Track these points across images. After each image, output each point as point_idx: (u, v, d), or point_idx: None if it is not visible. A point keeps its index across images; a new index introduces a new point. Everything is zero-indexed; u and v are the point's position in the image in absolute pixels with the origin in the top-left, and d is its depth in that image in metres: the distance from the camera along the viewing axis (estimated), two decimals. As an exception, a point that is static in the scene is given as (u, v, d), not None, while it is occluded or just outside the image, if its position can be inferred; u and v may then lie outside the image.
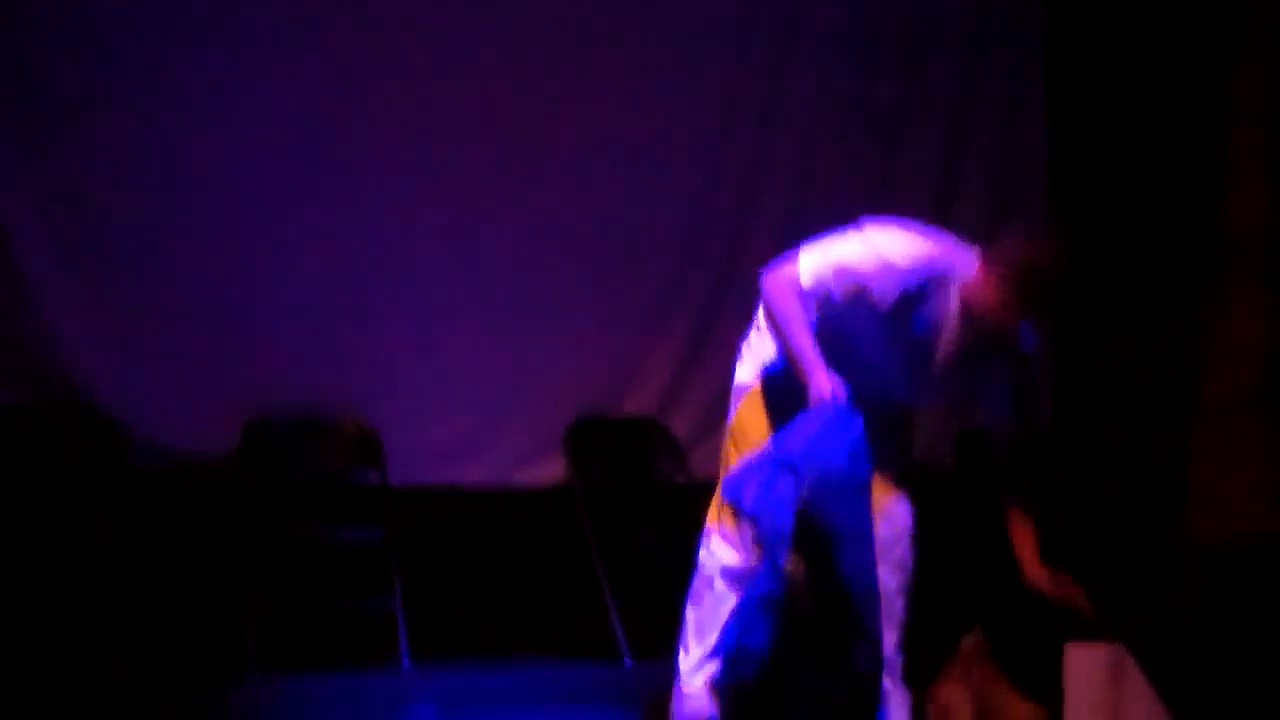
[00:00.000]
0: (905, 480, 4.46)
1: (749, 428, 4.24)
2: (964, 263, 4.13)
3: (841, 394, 3.99)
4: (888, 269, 4.07)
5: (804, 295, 4.08)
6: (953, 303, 4.12)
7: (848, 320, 4.15)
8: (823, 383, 3.99)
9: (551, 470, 6.39)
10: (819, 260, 4.10)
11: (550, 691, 5.46)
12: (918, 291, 4.09)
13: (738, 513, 4.05)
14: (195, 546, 5.98)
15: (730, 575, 4.17)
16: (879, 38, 6.80)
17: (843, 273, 4.08)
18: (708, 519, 4.27)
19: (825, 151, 6.74)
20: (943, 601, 6.08)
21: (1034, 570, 4.30)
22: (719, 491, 4.17)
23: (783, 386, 4.18)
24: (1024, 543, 4.35)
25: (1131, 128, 6.71)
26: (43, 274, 6.00)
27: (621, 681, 5.72)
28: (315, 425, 6.09)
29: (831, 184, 6.71)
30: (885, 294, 4.08)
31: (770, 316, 4.17)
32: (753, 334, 4.36)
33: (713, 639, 4.13)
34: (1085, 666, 4.18)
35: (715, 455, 4.50)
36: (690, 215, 6.60)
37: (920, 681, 4.54)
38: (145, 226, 6.09)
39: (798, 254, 4.13)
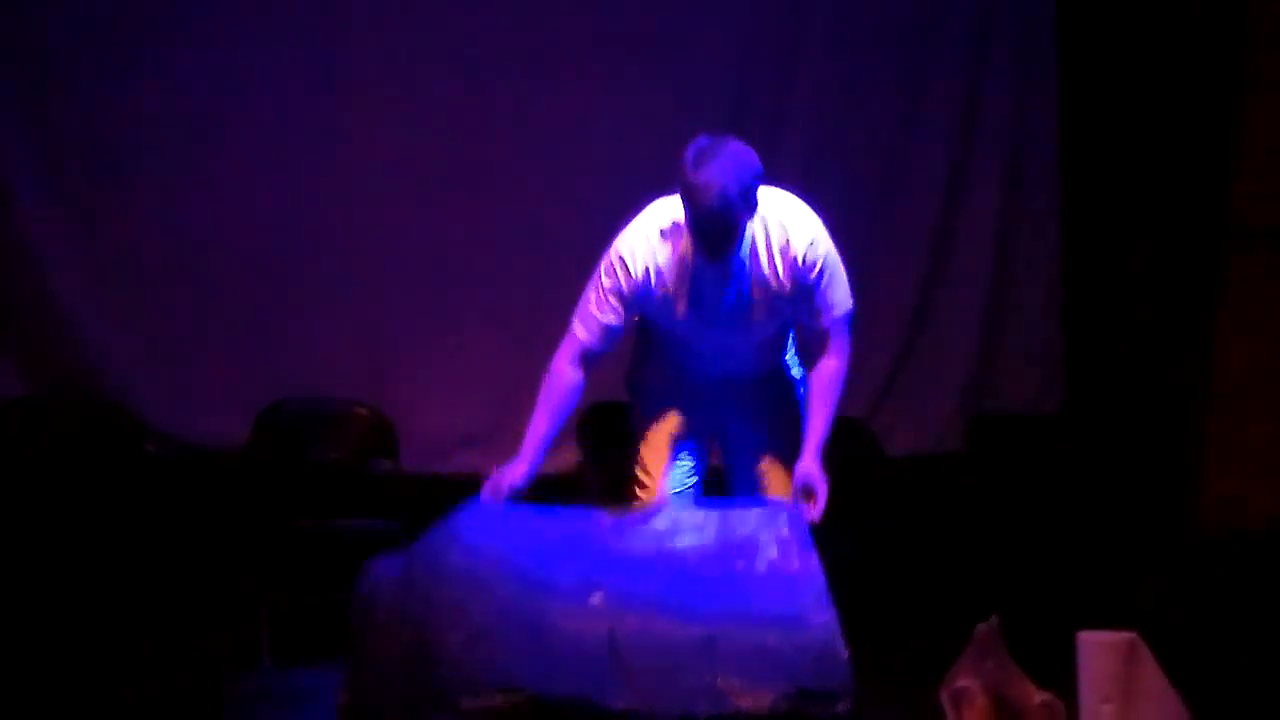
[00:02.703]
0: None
1: None
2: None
3: (507, 492, 4.40)
4: (623, 256, 4.35)
5: (579, 350, 4.36)
6: (689, 251, 4.29)
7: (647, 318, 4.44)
8: (513, 471, 4.43)
9: (565, 457, 6.39)
10: (583, 302, 4.38)
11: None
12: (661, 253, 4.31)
13: None
14: (209, 536, 6.00)
15: None
16: (888, 25, 6.79)
17: (607, 290, 4.35)
18: None
19: (834, 146, 6.74)
20: (956, 589, 6.10)
21: (804, 462, 4.32)
22: None
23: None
24: (811, 431, 4.38)
25: (1144, 109, 6.70)
26: (59, 268, 6.04)
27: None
28: (329, 414, 6.10)
29: (841, 178, 6.71)
30: (636, 279, 4.33)
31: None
32: None
33: None
34: (1098, 653, 4.16)
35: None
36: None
37: (934, 669, 4.55)
38: (160, 220, 6.12)
39: (573, 317, 4.40)
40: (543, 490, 6.35)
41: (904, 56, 6.83)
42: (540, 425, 4.41)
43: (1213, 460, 6.33)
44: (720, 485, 4.73)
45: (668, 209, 4.36)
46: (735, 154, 4.22)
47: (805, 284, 4.34)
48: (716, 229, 4.18)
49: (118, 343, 6.11)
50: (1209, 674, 4.70)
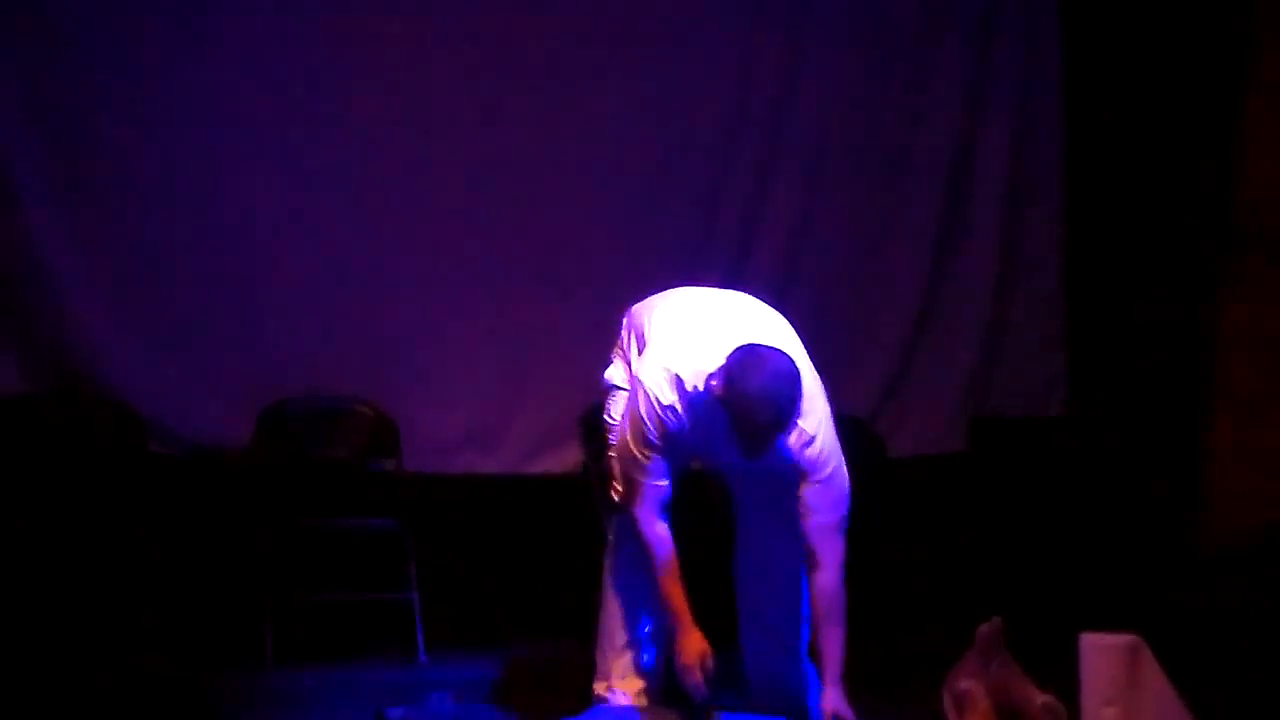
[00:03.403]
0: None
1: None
2: (722, 368, 4.40)
3: (709, 664, 4.43)
4: (661, 411, 4.47)
5: (658, 498, 4.52)
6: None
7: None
8: (689, 648, 4.44)
9: (567, 458, 6.40)
10: (629, 455, 4.52)
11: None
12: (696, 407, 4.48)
13: None
14: (211, 535, 6.00)
15: None
16: (890, 27, 6.78)
17: (643, 444, 4.49)
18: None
19: (836, 147, 6.73)
20: (958, 590, 6.10)
21: (830, 695, 4.54)
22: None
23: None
24: (828, 661, 4.58)
25: (1148, 112, 6.68)
26: (61, 267, 6.03)
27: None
28: (331, 413, 6.09)
29: (843, 180, 6.71)
30: (670, 425, 4.49)
31: (646, 554, 4.56)
32: (620, 344, 4.85)
33: None
34: (1101, 655, 4.16)
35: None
36: (703, 205, 6.60)
37: (936, 670, 4.55)
38: (162, 217, 6.12)
39: (624, 466, 4.56)
40: (544, 490, 6.39)
41: (906, 59, 6.81)
42: (678, 590, 4.51)
43: (1218, 463, 6.32)
44: (698, 486, 4.83)
45: (709, 359, 4.45)
46: (784, 372, 4.36)
47: (806, 477, 4.52)
48: (762, 440, 4.35)
49: (120, 341, 6.11)
50: (1212, 677, 4.69)
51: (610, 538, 4.82)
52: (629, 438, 4.52)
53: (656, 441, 4.49)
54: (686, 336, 4.59)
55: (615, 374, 4.86)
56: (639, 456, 4.50)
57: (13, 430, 5.89)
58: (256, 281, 6.21)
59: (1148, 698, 4.09)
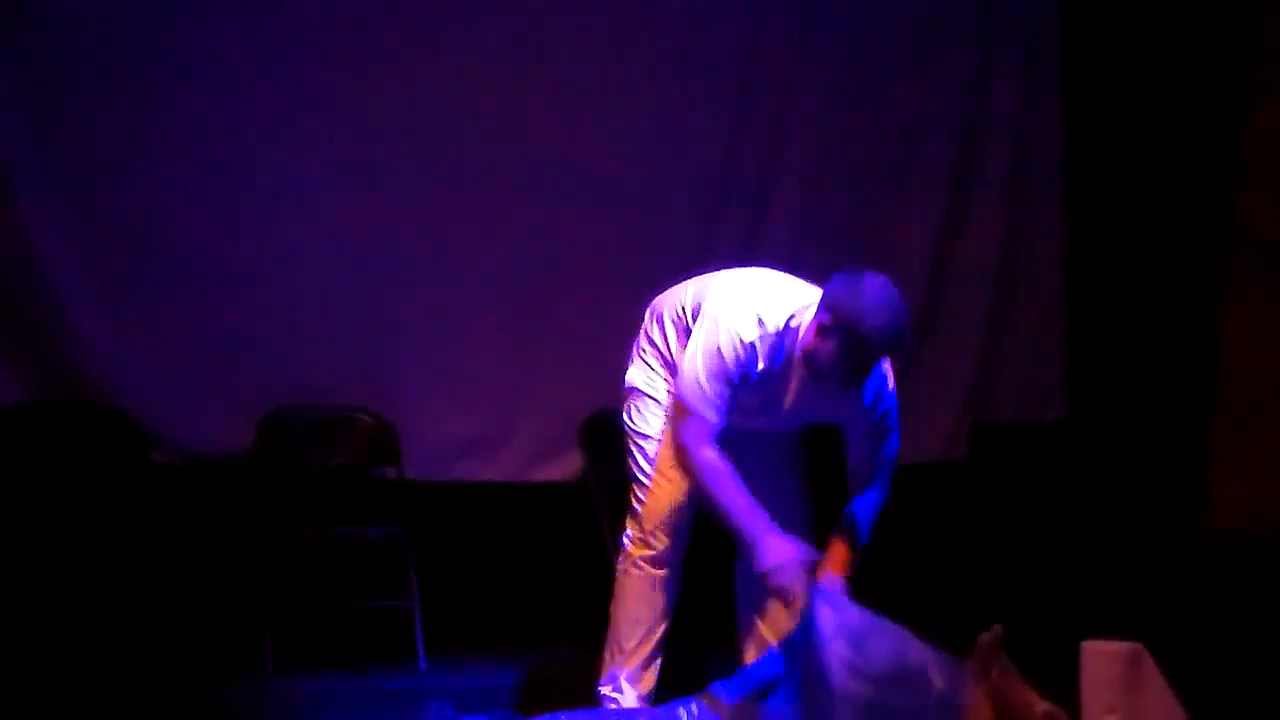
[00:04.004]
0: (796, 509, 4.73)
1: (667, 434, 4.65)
2: (806, 305, 4.47)
3: (801, 555, 4.36)
4: (740, 345, 4.46)
5: (710, 431, 4.46)
6: (797, 345, 4.47)
7: None
8: (774, 550, 4.35)
9: (568, 465, 6.39)
10: (693, 384, 4.48)
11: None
12: (768, 349, 4.48)
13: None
14: (212, 544, 6.00)
15: None
16: (890, 33, 6.78)
17: (713, 375, 4.46)
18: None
19: (839, 149, 6.73)
20: (959, 598, 6.10)
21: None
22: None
23: None
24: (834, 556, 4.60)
25: (1149, 117, 6.69)
26: (62, 276, 6.02)
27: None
28: (331, 421, 6.09)
29: (843, 188, 6.71)
30: (745, 364, 4.48)
31: (699, 483, 4.51)
32: (643, 340, 4.81)
33: None
34: (1102, 663, 4.16)
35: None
36: (705, 212, 6.60)
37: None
38: (162, 227, 6.11)
39: (682, 395, 4.50)
40: (545, 498, 6.38)
41: (907, 66, 6.82)
42: (745, 500, 4.44)
43: (1218, 468, 6.32)
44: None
45: (779, 303, 4.51)
46: (892, 286, 4.40)
47: (875, 419, 4.57)
48: (874, 363, 4.40)
49: (121, 350, 6.10)
50: (1213, 684, 4.69)
51: (624, 543, 4.79)
52: (701, 372, 4.46)
53: (734, 379, 4.46)
54: (760, 285, 4.60)
55: (637, 376, 4.82)
56: (708, 391, 4.46)
57: (13, 439, 5.89)
58: (257, 290, 6.20)
59: (1149, 705, 4.10)
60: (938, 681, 4.09)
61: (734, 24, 6.65)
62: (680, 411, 4.53)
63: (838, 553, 4.61)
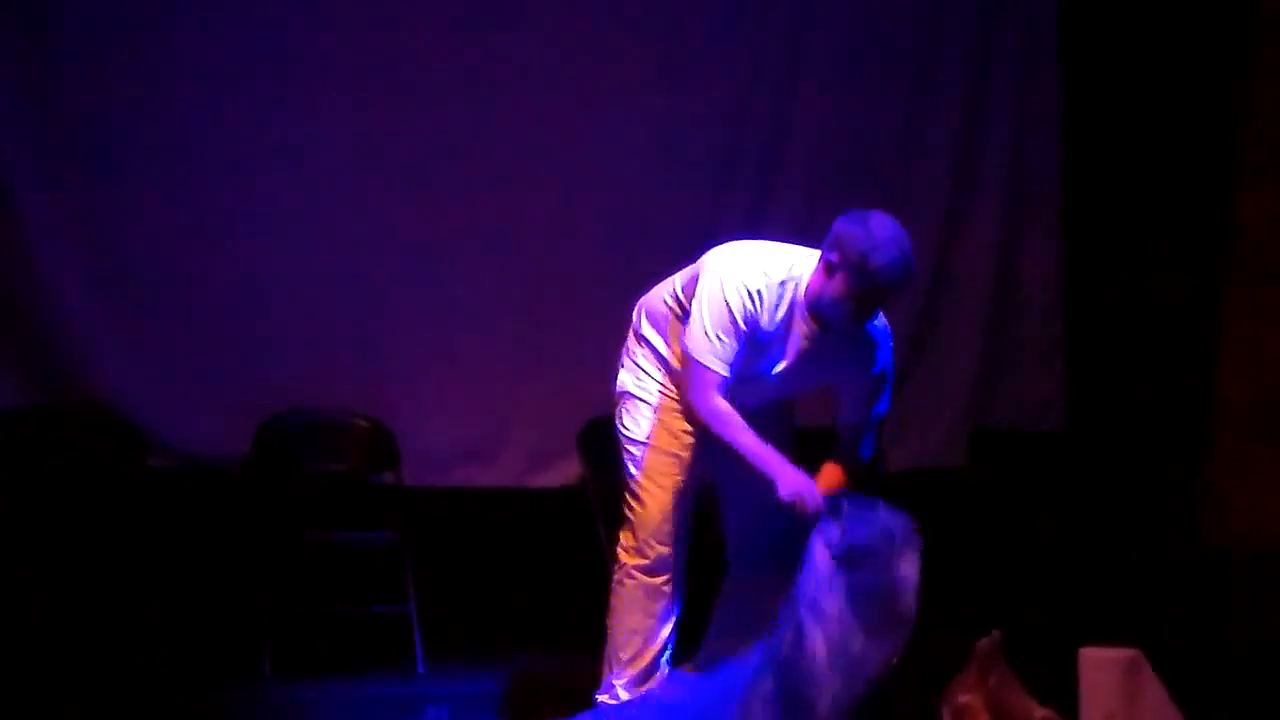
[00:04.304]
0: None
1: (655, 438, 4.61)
2: (806, 261, 4.46)
3: (814, 492, 4.36)
4: (747, 295, 4.41)
5: (718, 383, 4.44)
6: (799, 297, 4.44)
7: None
8: (790, 480, 4.36)
9: (566, 471, 6.39)
10: (700, 337, 4.43)
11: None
12: (773, 301, 4.44)
13: None
14: (210, 549, 6.00)
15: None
16: (890, 40, 6.79)
17: (721, 327, 4.42)
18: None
19: (837, 158, 6.73)
20: (958, 604, 6.09)
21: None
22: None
23: None
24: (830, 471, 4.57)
25: (1149, 128, 6.70)
26: (61, 281, 6.02)
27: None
28: (330, 427, 6.08)
29: (841, 197, 6.70)
30: (753, 315, 4.43)
31: (707, 430, 4.47)
32: (633, 340, 4.71)
33: None
34: (1100, 670, 4.15)
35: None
36: (704, 220, 6.59)
37: (935, 684, 4.54)
38: (161, 233, 6.11)
39: (689, 350, 4.46)
40: (543, 504, 6.38)
41: (906, 72, 6.82)
42: (753, 438, 4.43)
43: (1217, 477, 6.33)
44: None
45: (780, 259, 4.49)
46: (904, 232, 4.38)
47: (872, 376, 4.54)
48: (882, 299, 4.38)
49: (120, 355, 6.10)
50: (1212, 692, 4.69)
51: (619, 553, 4.75)
52: (708, 323, 4.42)
53: (742, 331, 4.43)
54: (759, 244, 4.59)
55: (627, 379, 4.72)
56: (715, 344, 4.42)
57: (12, 443, 5.88)
58: (256, 296, 6.21)
59: (1147, 713, 4.09)
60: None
61: (733, 33, 6.65)
62: (687, 367, 4.48)
63: (830, 471, 4.58)
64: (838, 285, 4.35)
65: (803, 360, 4.51)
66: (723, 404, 4.44)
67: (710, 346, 4.43)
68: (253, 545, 5.83)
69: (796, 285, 4.44)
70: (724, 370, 4.43)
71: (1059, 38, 6.96)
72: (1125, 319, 6.77)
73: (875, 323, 4.51)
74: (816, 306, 4.42)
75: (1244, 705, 4.87)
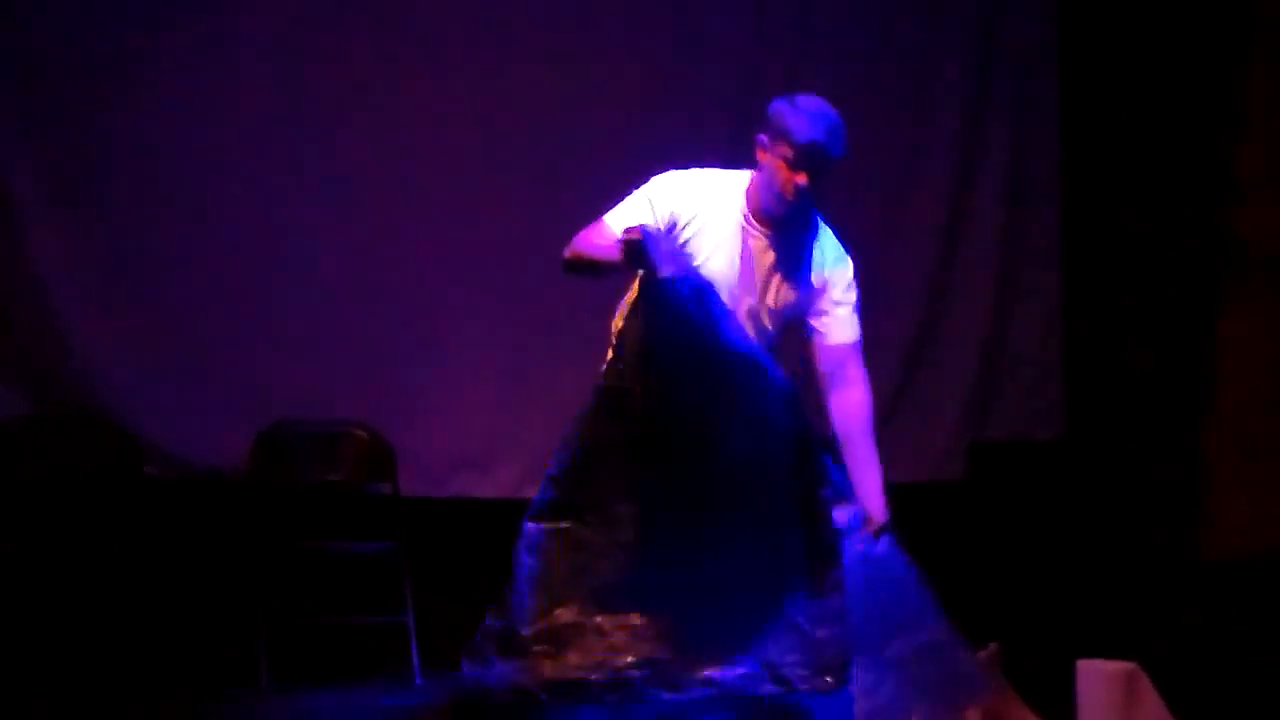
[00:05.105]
0: None
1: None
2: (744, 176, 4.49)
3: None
4: (672, 187, 4.50)
5: (601, 230, 4.46)
6: (746, 211, 4.43)
7: None
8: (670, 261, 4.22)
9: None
10: (615, 214, 4.47)
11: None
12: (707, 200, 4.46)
13: None
14: (207, 558, 5.99)
15: None
16: (891, 43, 6.79)
17: (635, 202, 4.48)
18: None
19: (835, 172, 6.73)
20: (956, 617, 6.08)
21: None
22: None
23: None
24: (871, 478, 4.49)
25: (1147, 136, 6.70)
26: (59, 290, 6.02)
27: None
28: (327, 436, 6.08)
29: (845, 198, 6.69)
30: (676, 209, 4.45)
31: (567, 266, 4.55)
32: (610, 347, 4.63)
33: None
34: (1098, 682, 4.16)
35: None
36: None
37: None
38: (159, 241, 6.10)
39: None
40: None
41: (906, 81, 6.83)
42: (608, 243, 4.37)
43: (1214, 487, 6.33)
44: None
45: (731, 177, 4.52)
46: (830, 106, 4.44)
47: (834, 296, 4.47)
48: (816, 164, 4.34)
49: (117, 364, 6.09)
50: (1211, 703, 4.69)
51: None
52: (618, 208, 4.48)
53: (659, 210, 4.45)
54: None
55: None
56: (621, 210, 4.49)
57: (9, 452, 5.88)
58: (254, 305, 6.20)
59: (1145, 724, 4.10)
60: None
61: (734, 31, 6.65)
62: (590, 228, 4.51)
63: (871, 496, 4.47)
64: (771, 162, 4.39)
65: (766, 278, 4.48)
66: (591, 238, 4.44)
67: (615, 212, 4.47)
68: (250, 555, 5.82)
69: (737, 192, 4.47)
70: (616, 229, 4.38)
71: (1059, 39, 6.96)
72: (1124, 329, 6.77)
73: (832, 255, 4.48)
74: (758, 203, 4.43)
75: (1244, 716, 4.87)
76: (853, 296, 4.50)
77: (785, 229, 4.44)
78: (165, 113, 6.10)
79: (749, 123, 6.64)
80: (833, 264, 4.47)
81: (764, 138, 4.41)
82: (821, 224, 4.53)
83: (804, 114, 4.35)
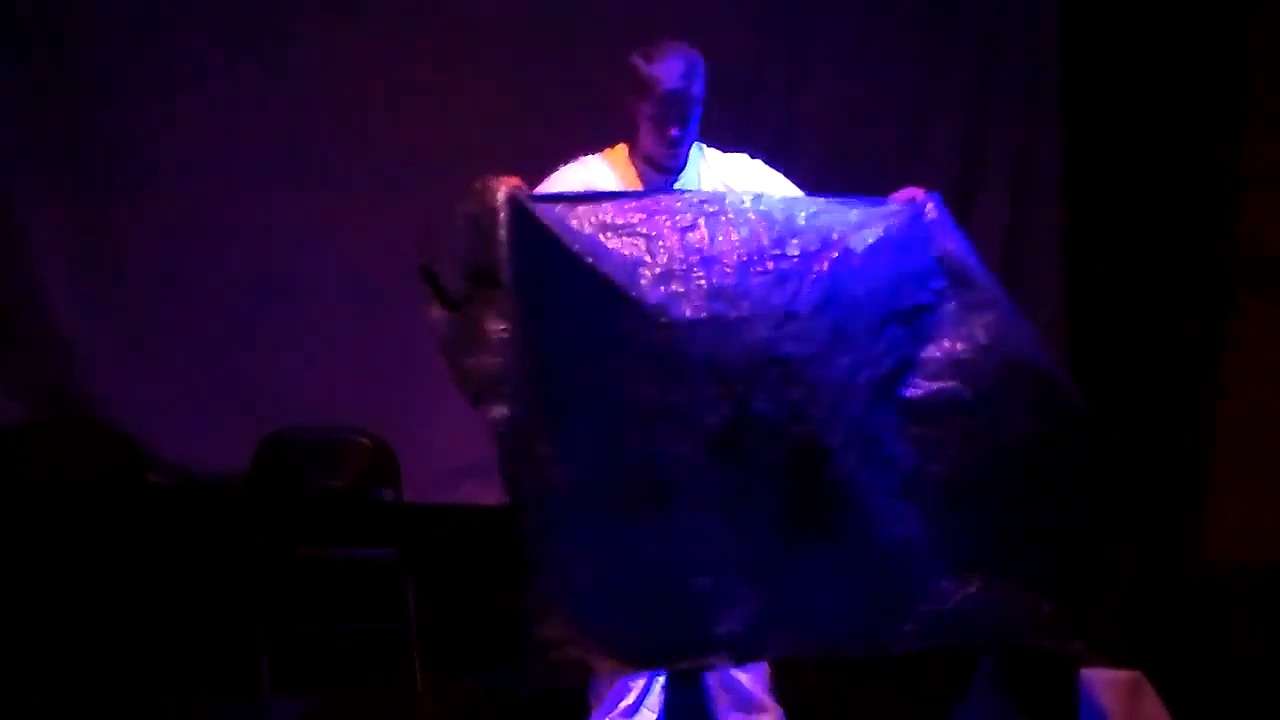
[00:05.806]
0: None
1: None
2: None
3: None
4: (568, 169, 4.67)
5: None
6: (636, 172, 4.58)
7: None
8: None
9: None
10: None
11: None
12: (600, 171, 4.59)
13: None
14: (210, 565, 5.99)
15: None
16: (893, 44, 6.79)
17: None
18: None
19: (839, 166, 6.72)
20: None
21: None
22: None
23: None
24: None
25: (1151, 140, 6.68)
26: (61, 296, 6.02)
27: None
28: (329, 443, 6.08)
29: (849, 184, 6.70)
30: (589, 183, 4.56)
31: None
32: None
33: None
34: (1102, 691, 4.15)
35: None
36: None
37: (938, 706, 4.54)
38: (162, 246, 6.11)
39: None
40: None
41: (908, 83, 6.82)
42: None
43: (1219, 492, 6.31)
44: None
45: (610, 150, 4.65)
46: (685, 46, 4.57)
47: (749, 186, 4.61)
48: (677, 101, 4.47)
49: (119, 371, 6.10)
50: (1214, 711, 4.68)
51: None
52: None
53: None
54: None
55: None
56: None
57: (11, 460, 5.88)
58: (255, 312, 6.20)
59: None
60: None
61: (739, 29, 6.64)
62: None
63: None
64: (639, 112, 4.48)
65: None
66: None
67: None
68: (252, 562, 5.82)
69: (628, 166, 4.56)
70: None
71: (1062, 40, 6.95)
72: (1127, 331, 6.76)
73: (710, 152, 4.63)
74: (648, 158, 4.54)
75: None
76: (771, 172, 4.68)
77: (680, 171, 4.56)
78: (168, 120, 6.10)
79: (752, 116, 6.68)
80: (726, 167, 4.61)
81: (629, 97, 4.49)
82: (703, 148, 4.63)
83: (656, 65, 4.46)
